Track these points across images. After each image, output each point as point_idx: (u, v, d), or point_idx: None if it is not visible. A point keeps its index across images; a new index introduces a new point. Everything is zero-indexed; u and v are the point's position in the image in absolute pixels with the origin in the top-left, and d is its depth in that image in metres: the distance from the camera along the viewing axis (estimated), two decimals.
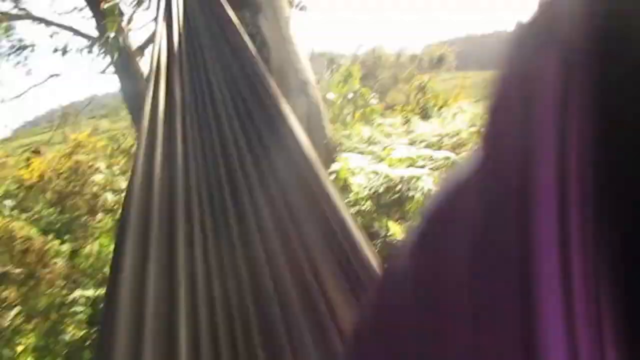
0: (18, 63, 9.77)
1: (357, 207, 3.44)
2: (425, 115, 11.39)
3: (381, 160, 5.31)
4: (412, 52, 16.98)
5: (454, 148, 6.08)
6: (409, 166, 4.57)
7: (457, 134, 6.51)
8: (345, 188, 3.66)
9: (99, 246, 5.07)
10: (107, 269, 4.30)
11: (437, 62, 16.60)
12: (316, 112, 3.87)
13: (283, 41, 3.61)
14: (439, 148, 6.17)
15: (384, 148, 6.04)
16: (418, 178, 3.57)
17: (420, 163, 5.02)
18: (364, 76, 17.34)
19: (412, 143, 6.60)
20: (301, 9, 8.72)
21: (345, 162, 3.82)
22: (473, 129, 6.44)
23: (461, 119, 8.25)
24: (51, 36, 8.91)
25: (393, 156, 4.65)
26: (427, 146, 6.31)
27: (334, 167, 3.78)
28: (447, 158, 4.69)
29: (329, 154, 4.02)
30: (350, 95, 7.66)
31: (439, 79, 18.84)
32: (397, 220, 3.74)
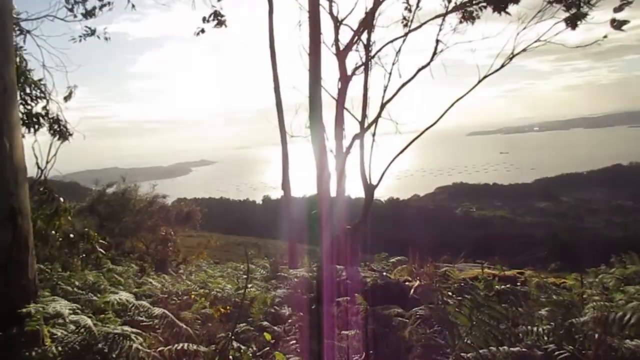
0: None
1: None
2: (162, 268, 11.05)
3: (97, 310, 4.72)
4: (163, 203, 16.91)
5: (180, 308, 5.87)
6: (124, 323, 4.14)
7: (187, 293, 6.36)
8: (31, 341, 3.03)
9: None
10: None
11: (185, 218, 16.84)
12: (22, 245, 3.31)
13: (0, 160, 3.14)
14: (166, 306, 5.86)
15: (103, 296, 5.46)
16: (126, 337, 3.20)
17: (138, 318, 4.63)
18: (107, 216, 16.35)
19: (138, 297, 6.15)
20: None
21: (44, 306, 3.24)
22: (203, 291, 6.39)
23: (195, 279, 8.21)
24: None
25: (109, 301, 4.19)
26: (152, 303, 5.94)
27: (28, 309, 3.16)
28: (165, 317, 4.42)
29: (27, 296, 3.38)
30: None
31: (184, 234, 19.04)
32: None
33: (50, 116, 8.05)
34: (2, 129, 3.22)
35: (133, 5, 9.76)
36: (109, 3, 9.64)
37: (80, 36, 9.23)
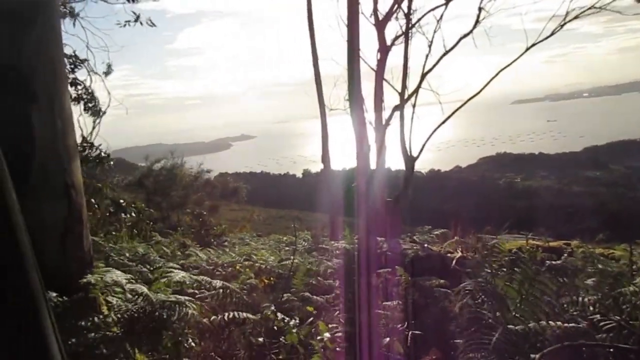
0: None
1: (101, 333, 3.03)
2: (206, 241, 11.39)
3: (152, 280, 4.96)
4: (208, 178, 17.35)
5: (227, 279, 6.06)
6: (175, 292, 4.34)
7: (232, 265, 6.56)
8: (92, 307, 3.24)
9: None
10: None
11: (231, 193, 17.21)
12: (77, 218, 3.50)
13: (54, 138, 3.31)
14: (212, 277, 6.08)
15: (155, 268, 5.71)
16: (182, 304, 3.37)
17: (191, 291, 4.84)
18: (154, 190, 16.93)
19: (185, 268, 6.39)
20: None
21: (102, 276, 3.44)
22: (247, 263, 6.57)
23: (239, 251, 8.44)
24: None
25: (166, 278, 4.40)
26: (200, 274, 6.17)
27: (88, 279, 3.36)
28: (226, 288, 4.63)
29: (83, 267, 3.58)
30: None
31: (228, 209, 19.52)
32: (148, 353, 3.40)
33: (85, 95, 8.46)
34: (54, 109, 3.38)
35: None
36: None
37: (126, 22, 9.46)
